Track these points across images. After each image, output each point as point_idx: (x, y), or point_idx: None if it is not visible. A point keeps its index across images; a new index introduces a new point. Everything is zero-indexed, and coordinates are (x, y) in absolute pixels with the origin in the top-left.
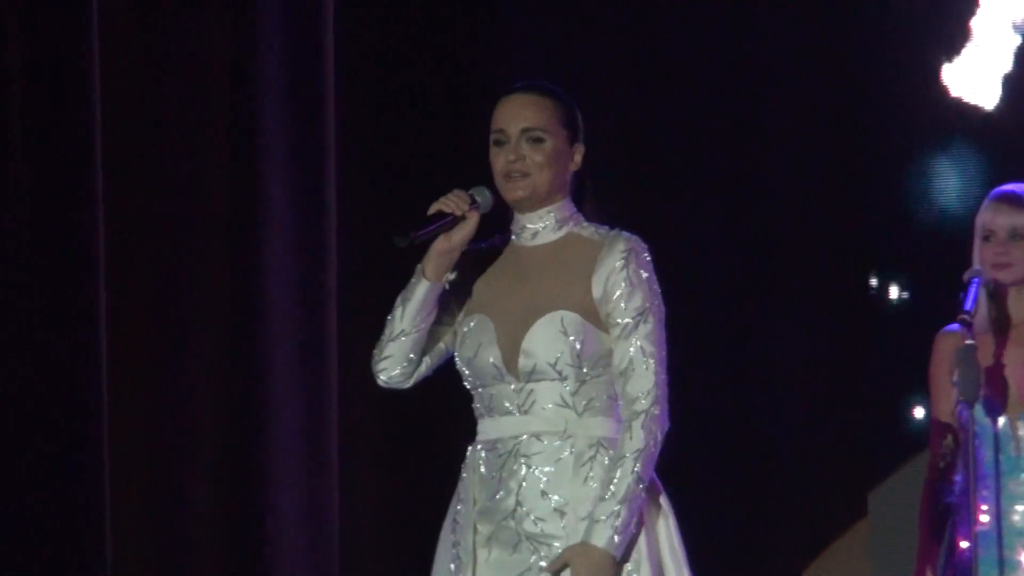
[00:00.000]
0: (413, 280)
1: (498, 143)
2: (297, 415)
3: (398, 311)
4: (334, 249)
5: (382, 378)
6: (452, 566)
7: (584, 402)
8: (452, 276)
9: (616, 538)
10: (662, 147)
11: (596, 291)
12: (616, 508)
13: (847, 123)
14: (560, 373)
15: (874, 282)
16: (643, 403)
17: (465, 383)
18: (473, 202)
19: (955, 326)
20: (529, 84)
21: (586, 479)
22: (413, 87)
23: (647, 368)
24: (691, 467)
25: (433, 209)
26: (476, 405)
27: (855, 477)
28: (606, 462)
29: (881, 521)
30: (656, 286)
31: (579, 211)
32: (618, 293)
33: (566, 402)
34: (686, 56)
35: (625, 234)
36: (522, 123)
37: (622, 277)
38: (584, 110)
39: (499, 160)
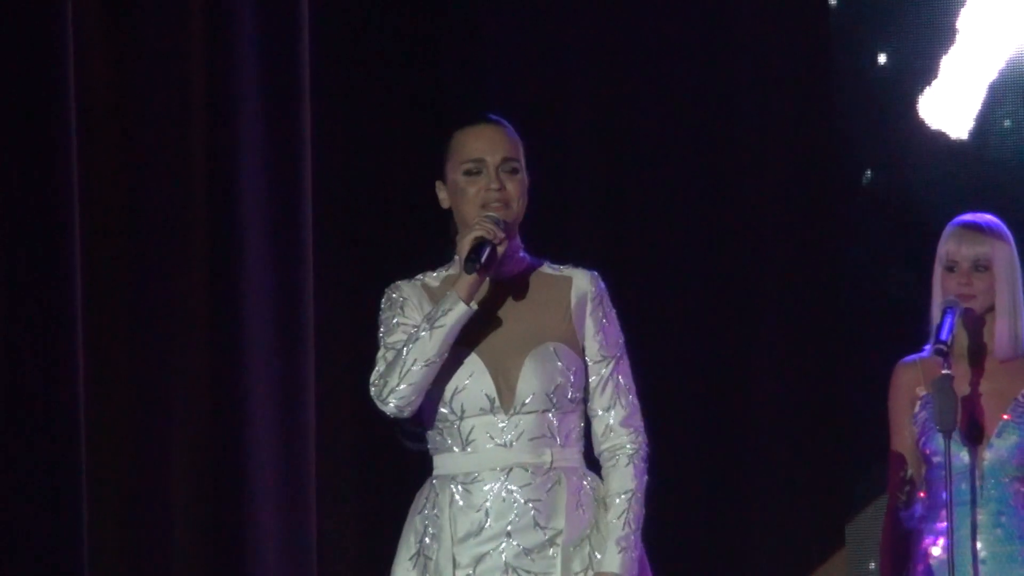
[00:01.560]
0: (446, 306)
1: (474, 172)
2: (274, 427)
3: (424, 336)
4: (311, 261)
5: (394, 407)
6: None
7: (565, 433)
8: (416, 308)
9: (631, 565)
10: (635, 159)
11: (576, 324)
12: (632, 538)
13: (819, 146)
14: (554, 403)
15: (850, 313)
16: (637, 439)
17: (433, 415)
18: (501, 229)
19: (912, 357)
20: (493, 116)
21: (577, 505)
22: (390, 109)
23: (630, 402)
24: (669, 498)
25: (475, 237)
26: (442, 439)
27: (832, 508)
28: (589, 489)
29: (858, 552)
30: (617, 318)
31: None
32: (594, 331)
33: (552, 433)
34: (662, 70)
35: (585, 270)
36: (501, 153)
37: (597, 316)
38: (557, 115)
39: (473, 188)
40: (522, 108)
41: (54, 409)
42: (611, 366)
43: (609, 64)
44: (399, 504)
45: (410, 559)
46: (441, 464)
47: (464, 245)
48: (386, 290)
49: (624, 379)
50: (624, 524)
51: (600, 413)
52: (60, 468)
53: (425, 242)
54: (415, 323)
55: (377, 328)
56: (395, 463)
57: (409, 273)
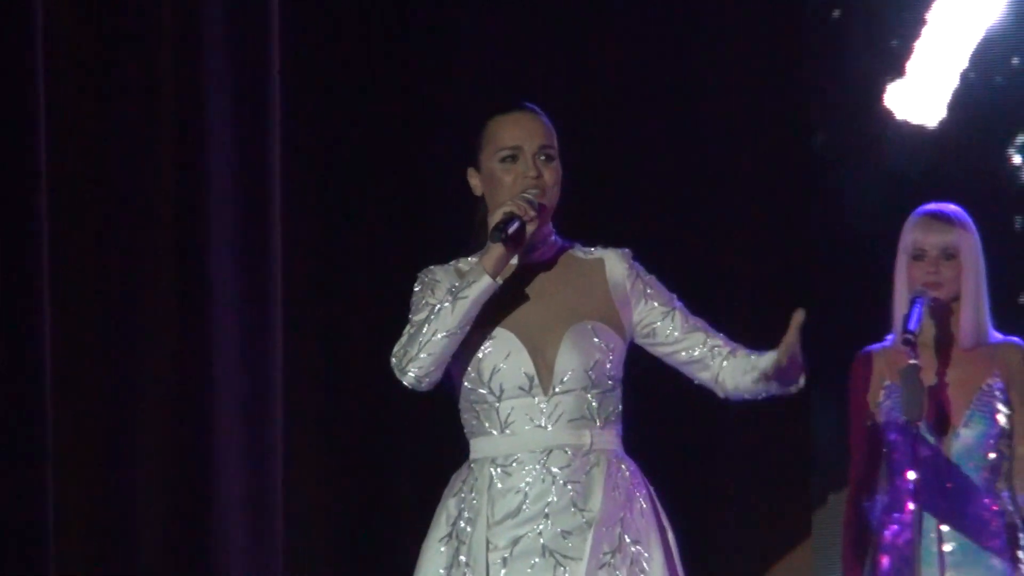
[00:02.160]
0: (471, 278)
1: (511, 159)
2: (241, 427)
3: (447, 308)
4: (279, 250)
5: (412, 374)
6: None
7: (604, 415)
8: (448, 290)
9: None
10: (605, 151)
11: (617, 300)
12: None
13: (789, 139)
14: (593, 381)
15: (818, 303)
16: (729, 343)
17: (470, 398)
18: (534, 208)
19: (876, 346)
20: (529, 104)
21: (614, 488)
22: (361, 104)
23: (707, 326)
24: None
25: (506, 212)
26: (480, 422)
27: (799, 498)
28: (626, 472)
29: (824, 542)
30: None
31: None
32: (643, 298)
33: (591, 414)
34: (630, 62)
35: (613, 248)
36: (538, 141)
37: (640, 286)
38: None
39: (510, 177)
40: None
41: (20, 416)
42: (677, 310)
43: (580, 56)
44: (367, 510)
45: (440, 540)
46: (479, 447)
47: (495, 218)
48: (419, 274)
49: (695, 319)
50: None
51: (701, 341)
52: (26, 478)
53: (395, 243)
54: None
55: (408, 310)
56: (362, 465)
57: (379, 274)
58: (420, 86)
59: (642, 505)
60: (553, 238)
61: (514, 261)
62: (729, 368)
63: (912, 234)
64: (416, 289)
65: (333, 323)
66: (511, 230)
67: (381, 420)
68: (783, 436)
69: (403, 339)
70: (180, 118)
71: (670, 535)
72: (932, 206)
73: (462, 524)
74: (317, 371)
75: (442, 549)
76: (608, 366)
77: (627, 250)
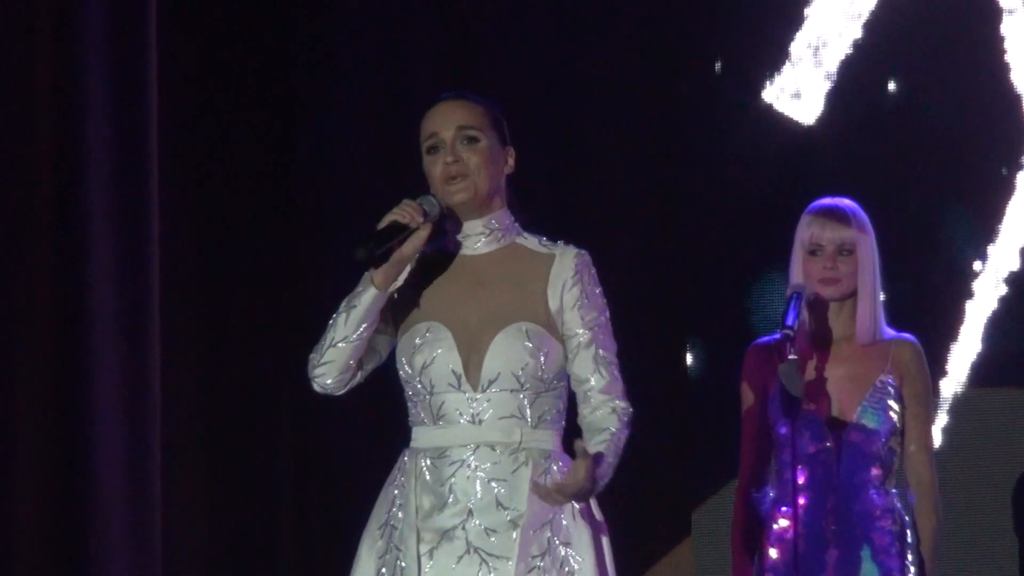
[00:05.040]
0: (360, 288)
1: (433, 149)
2: (120, 422)
3: (342, 317)
4: (157, 256)
5: (319, 383)
6: (385, 571)
7: (538, 415)
8: (398, 284)
9: (604, 468)
10: None
11: (552, 303)
12: (610, 455)
13: (669, 137)
14: (522, 384)
15: (694, 288)
16: (620, 403)
17: (407, 390)
18: (424, 213)
19: (765, 339)
20: (455, 92)
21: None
22: (239, 107)
23: (613, 373)
24: None
25: (386, 221)
26: (417, 412)
27: (679, 497)
28: (556, 474)
29: (704, 539)
30: (603, 298)
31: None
32: (574, 307)
33: (522, 414)
34: (523, 66)
35: (572, 247)
36: (455, 123)
37: (576, 292)
38: (406, 109)
39: (436, 166)
40: (374, 102)
41: None
42: (588, 341)
43: (462, 52)
44: (246, 506)
45: (379, 528)
46: (415, 437)
47: (381, 225)
48: None
49: (604, 351)
50: (605, 444)
51: (581, 382)
52: None
53: (272, 239)
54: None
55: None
56: (241, 460)
57: (256, 275)
58: (298, 91)
59: (574, 506)
60: (500, 226)
61: (460, 249)
62: (587, 424)
63: (809, 229)
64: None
65: (211, 322)
66: (381, 247)
67: (260, 417)
68: (662, 433)
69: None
70: (57, 106)
71: (604, 537)
72: (828, 201)
73: (395, 511)
74: (195, 368)
75: (379, 538)
76: (540, 369)
77: (583, 252)
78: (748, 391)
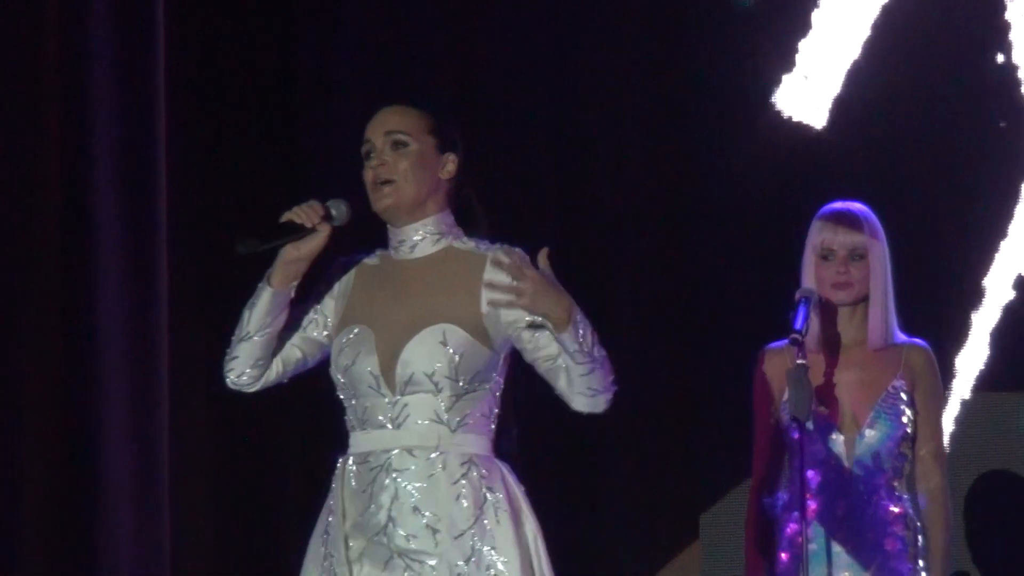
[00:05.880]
0: (259, 285)
1: (366, 155)
2: (127, 419)
3: (245, 314)
4: (164, 257)
5: (230, 378)
6: None
7: (458, 418)
8: (336, 285)
9: (579, 317)
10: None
11: (484, 306)
12: (593, 341)
13: (679, 139)
14: (436, 385)
15: (703, 292)
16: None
17: (339, 394)
18: (327, 215)
19: (779, 343)
20: (397, 96)
21: (458, 496)
22: (246, 107)
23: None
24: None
25: (284, 218)
26: (348, 417)
27: (688, 499)
28: (476, 479)
29: (712, 543)
30: None
31: (459, 226)
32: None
33: (439, 417)
34: (523, 72)
35: (506, 247)
36: (383, 129)
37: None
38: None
39: (367, 171)
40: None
41: None
42: (541, 322)
43: (468, 53)
44: (253, 504)
45: (321, 536)
46: (350, 442)
47: (283, 219)
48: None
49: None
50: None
51: (553, 357)
52: None
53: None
54: (305, 305)
55: None
56: (249, 456)
57: (262, 272)
58: (305, 91)
59: (497, 509)
60: (435, 230)
61: (393, 254)
62: (563, 381)
63: (821, 234)
64: None
65: (220, 327)
66: (266, 243)
67: (268, 413)
68: (671, 436)
69: None
70: (64, 128)
71: (531, 538)
72: (840, 205)
73: (330, 519)
74: (204, 372)
75: (321, 544)
76: (453, 371)
77: (518, 250)
78: (760, 396)
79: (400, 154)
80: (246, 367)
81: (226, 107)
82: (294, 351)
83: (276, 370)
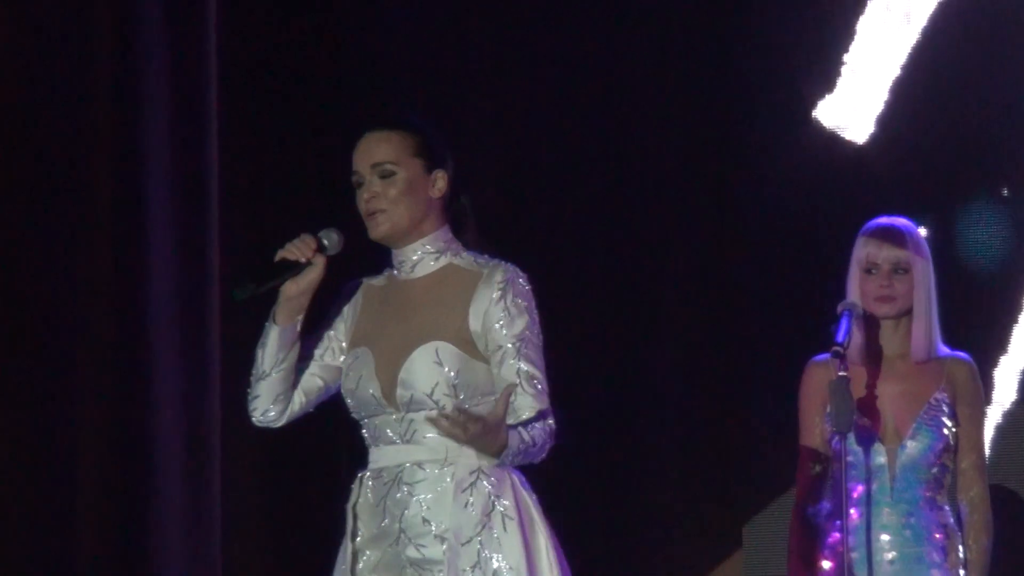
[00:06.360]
0: (266, 324)
1: (357, 185)
2: (180, 442)
3: (258, 354)
4: (217, 247)
5: (255, 417)
6: None
7: None
8: (346, 308)
9: (517, 444)
10: (534, 159)
11: (474, 322)
12: (525, 440)
13: (721, 153)
14: (437, 403)
15: (748, 305)
16: (543, 406)
17: (352, 414)
18: (320, 246)
19: (824, 356)
20: (378, 119)
21: (466, 505)
22: (295, 110)
23: (535, 388)
24: (565, 499)
25: (278, 257)
26: (364, 434)
27: (730, 510)
28: (486, 489)
29: (754, 553)
30: (534, 314)
31: (457, 239)
32: (498, 322)
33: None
34: (564, 83)
35: (504, 264)
36: (370, 160)
37: (500, 307)
38: (457, 113)
39: (359, 202)
40: (424, 107)
41: None
42: (511, 354)
43: (511, 60)
44: (304, 514)
45: (342, 547)
46: (368, 459)
47: (277, 257)
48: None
49: (526, 365)
50: (529, 429)
51: (503, 384)
52: None
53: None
54: (319, 333)
55: None
56: (300, 468)
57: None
58: (353, 88)
59: (505, 518)
60: (434, 248)
61: (396, 274)
62: None
63: (865, 248)
64: None
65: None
66: (262, 285)
67: (319, 424)
68: (713, 447)
69: None
70: (117, 125)
71: (543, 546)
72: (884, 220)
73: (347, 530)
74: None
75: (344, 554)
76: (450, 388)
77: (511, 266)
78: (806, 406)
79: (389, 183)
80: (268, 403)
81: (278, 102)
82: (314, 380)
83: (299, 401)
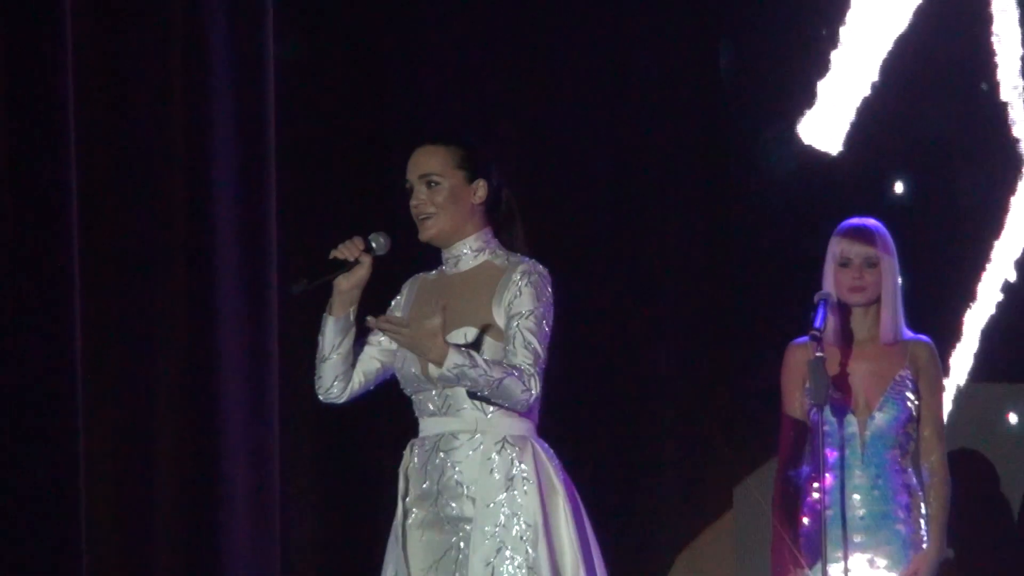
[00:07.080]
0: (323, 316)
1: (409, 192)
2: (243, 429)
3: (320, 340)
4: (276, 253)
5: (320, 394)
6: (392, 539)
7: (491, 406)
8: (402, 298)
9: (464, 360)
10: (557, 177)
11: (496, 309)
12: (478, 370)
13: (715, 164)
14: None
15: (736, 293)
16: (526, 365)
17: (403, 390)
18: (367, 247)
19: (803, 338)
20: (428, 135)
21: (492, 471)
22: (349, 125)
23: (527, 346)
24: (562, 462)
25: (331, 256)
26: (412, 408)
27: (723, 474)
28: (509, 456)
29: (745, 513)
30: (547, 301)
31: (505, 239)
32: (511, 302)
33: (477, 405)
34: (564, 92)
35: (527, 260)
36: (419, 171)
37: (515, 290)
38: (492, 134)
39: (412, 207)
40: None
41: (53, 412)
42: (516, 320)
43: (539, 86)
44: (360, 492)
45: (398, 508)
46: (418, 427)
47: (332, 255)
48: None
49: (525, 334)
50: (479, 357)
51: (505, 357)
52: (58, 467)
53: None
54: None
55: None
56: (357, 459)
57: (371, 284)
58: (400, 107)
59: (526, 482)
60: (476, 247)
61: (444, 269)
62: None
63: (839, 245)
64: None
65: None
66: (313, 282)
67: (377, 415)
68: (709, 418)
69: None
70: (188, 132)
71: (561, 508)
72: (856, 220)
73: (400, 493)
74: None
75: (397, 515)
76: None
77: (533, 262)
78: (788, 382)
79: (434, 191)
80: (331, 382)
81: (334, 117)
82: (372, 362)
83: (359, 380)
